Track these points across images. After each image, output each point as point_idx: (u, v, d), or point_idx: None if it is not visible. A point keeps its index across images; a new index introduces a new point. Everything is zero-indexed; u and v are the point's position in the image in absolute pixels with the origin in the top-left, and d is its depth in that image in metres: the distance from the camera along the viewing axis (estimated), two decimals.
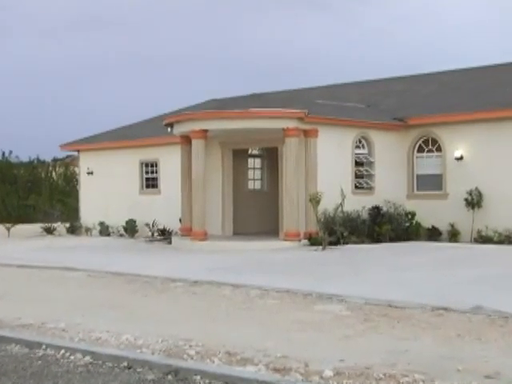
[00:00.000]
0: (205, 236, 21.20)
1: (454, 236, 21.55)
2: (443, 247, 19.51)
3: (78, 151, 30.90)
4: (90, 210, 29.49)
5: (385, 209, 21.94)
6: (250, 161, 25.65)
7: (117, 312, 10.60)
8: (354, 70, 70.19)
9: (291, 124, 20.54)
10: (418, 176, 23.30)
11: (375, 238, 20.88)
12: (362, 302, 10.78)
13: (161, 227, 25.94)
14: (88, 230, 28.97)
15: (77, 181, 33.45)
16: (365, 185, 22.55)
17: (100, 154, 29.46)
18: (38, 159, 40.07)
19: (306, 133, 21.01)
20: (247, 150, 25.25)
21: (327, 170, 21.16)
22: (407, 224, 22.03)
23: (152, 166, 27.89)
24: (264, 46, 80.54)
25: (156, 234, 25.98)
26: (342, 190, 20.07)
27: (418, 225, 22.02)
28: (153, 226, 26.32)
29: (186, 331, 8.90)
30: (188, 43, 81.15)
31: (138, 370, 7.31)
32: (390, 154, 23.07)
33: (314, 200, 19.87)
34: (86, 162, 30.06)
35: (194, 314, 10.43)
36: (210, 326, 9.33)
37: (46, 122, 72.42)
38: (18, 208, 36.64)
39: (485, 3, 76.52)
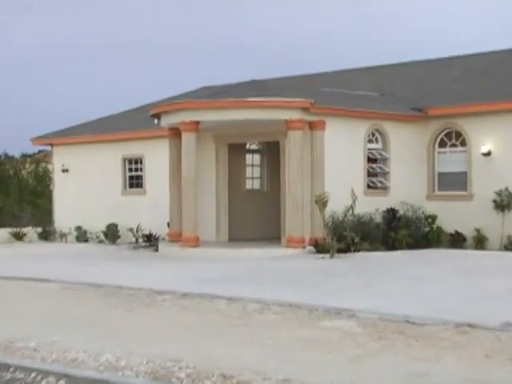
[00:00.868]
0: (196, 242, 21.21)
1: (480, 242, 21.56)
2: (468, 255, 19.51)
3: (52, 145, 30.91)
4: (65, 213, 29.49)
5: (401, 211, 21.95)
6: (248, 157, 25.67)
7: (96, 329, 10.59)
8: (366, 53, 70.19)
9: (295, 115, 20.55)
10: (439, 174, 23.33)
11: (390, 245, 20.90)
12: (376, 318, 10.79)
13: (146, 232, 25.94)
14: (63, 235, 28.96)
15: (50, 179, 33.45)
16: (379, 184, 22.57)
17: (77, 149, 29.47)
18: (6, 154, 40.06)
19: (311, 125, 21.02)
20: (245, 145, 25.27)
21: (336, 167, 21.18)
22: (427, 229, 22.05)
23: (136, 162, 27.90)
24: (265, 29, 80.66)
25: (141, 239, 25.98)
26: (352, 190, 20.09)
27: (440, 230, 22.04)
28: (137, 230, 26.33)
29: (175, 351, 8.90)
30: (178, 25, 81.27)
31: None
32: (408, 149, 23.09)
33: (321, 201, 19.88)
34: (61, 158, 30.06)
35: (183, 331, 10.43)
36: (202, 345, 9.33)
37: (14, 112, 72.43)
38: None
39: None
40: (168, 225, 23.96)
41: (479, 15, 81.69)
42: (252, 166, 25.83)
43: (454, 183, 22.90)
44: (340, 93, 24.34)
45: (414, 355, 8.61)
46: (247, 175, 25.58)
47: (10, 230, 30.27)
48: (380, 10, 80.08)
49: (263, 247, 20.92)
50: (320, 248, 20.06)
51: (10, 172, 39.03)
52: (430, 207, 22.60)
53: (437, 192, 23.28)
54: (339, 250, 19.45)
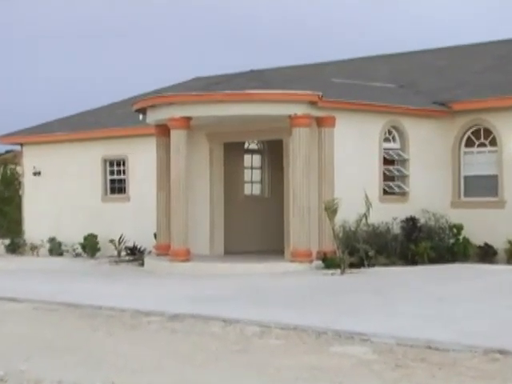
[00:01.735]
0: (187, 256, 21.23)
1: None
2: (499, 271, 19.53)
3: (22, 145, 30.94)
4: (36, 223, 29.50)
5: (422, 221, 21.99)
6: (247, 158, 25.71)
7: (72, 356, 10.59)
8: (382, 39, 70.33)
9: (300, 110, 20.58)
10: (465, 178, 23.36)
11: (410, 259, 20.92)
12: (393, 343, 10.79)
13: (130, 244, 25.97)
14: (34, 248, 28.97)
15: (19, 184, 33.45)
16: (396, 189, 22.59)
17: (50, 149, 29.49)
18: None
19: (319, 121, 21.06)
20: (243, 144, 25.30)
21: (347, 169, 21.21)
22: (452, 241, 22.08)
23: (118, 164, 27.93)
24: (266, 11, 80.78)
25: (124, 253, 26.02)
26: (366, 196, 20.11)
27: (466, 242, 22.06)
28: (119, 242, 26.36)
29: (163, 381, 8.89)
30: (167, 6, 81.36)
31: None
32: (430, 149, 23.12)
33: (330, 209, 19.89)
34: (32, 160, 30.09)
35: (173, 357, 10.43)
36: (193, 374, 9.33)
37: None
38: None
39: None
40: (155, 236, 23.97)
41: None
42: (251, 168, 25.86)
43: (483, 188, 22.92)
44: (352, 84, 24.38)
45: None
46: (246, 179, 25.61)
47: None
48: None
49: (264, 262, 20.94)
50: (329, 262, 20.07)
51: None
52: (456, 216, 22.62)
53: (463, 198, 23.31)
54: (351, 265, 19.46)
